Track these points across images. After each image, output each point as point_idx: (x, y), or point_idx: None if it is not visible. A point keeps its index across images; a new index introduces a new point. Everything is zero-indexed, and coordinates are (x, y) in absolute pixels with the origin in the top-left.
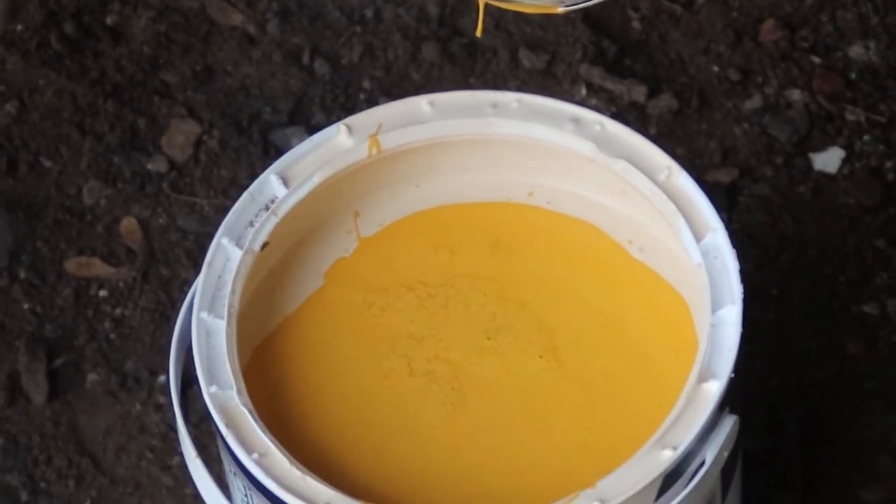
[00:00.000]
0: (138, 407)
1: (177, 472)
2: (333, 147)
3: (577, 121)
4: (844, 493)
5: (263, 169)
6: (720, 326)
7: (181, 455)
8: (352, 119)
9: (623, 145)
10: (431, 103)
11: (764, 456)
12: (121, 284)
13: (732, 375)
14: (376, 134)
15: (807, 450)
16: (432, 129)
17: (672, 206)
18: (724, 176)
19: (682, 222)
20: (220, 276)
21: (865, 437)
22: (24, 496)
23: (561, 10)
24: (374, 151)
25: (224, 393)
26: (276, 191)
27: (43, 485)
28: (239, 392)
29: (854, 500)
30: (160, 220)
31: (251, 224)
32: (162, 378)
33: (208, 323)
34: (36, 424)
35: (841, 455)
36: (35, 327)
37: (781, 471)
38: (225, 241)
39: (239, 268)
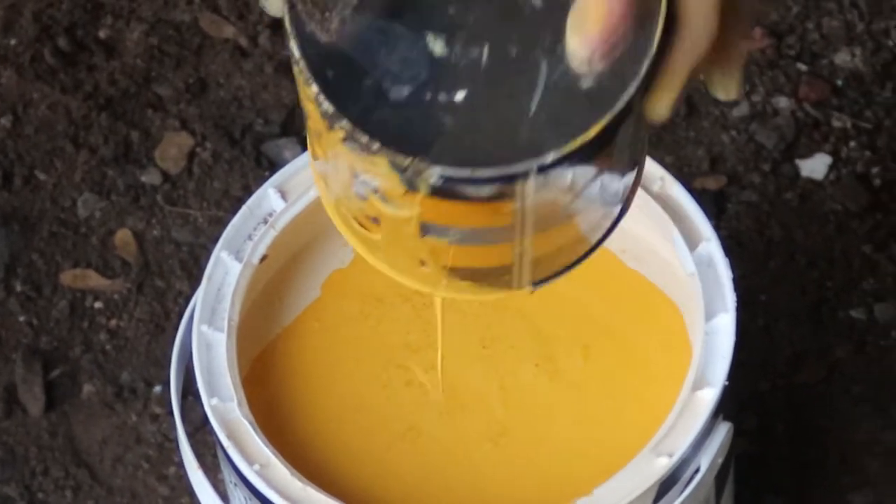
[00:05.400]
0: (134, 417)
1: (173, 481)
2: None
3: None
4: (834, 496)
5: (256, 180)
6: (714, 335)
7: (178, 465)
8: None
9: None
10: None
11: (754, 460)
12: (116, 296)
13: (727, 383)
14: None
15: (796, 454)
16: None
17: (666, 216)
18: (712, 183)
19: (675, 232)
20: (219, 290)
21: (854, 441)
22: None
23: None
24: None
25: (225, 405)
26: (274, 204)
27: (40, 496)
28: (239, 404)
29: None
30: (154, 232)
31: (250, 237)
32: (157, 389)
33: (208, 336)
34: (33, 436)
35: (830, 459)
36: (31, 339)
37: (771, 475)
38: (224, 254)
39: (238, 281)
